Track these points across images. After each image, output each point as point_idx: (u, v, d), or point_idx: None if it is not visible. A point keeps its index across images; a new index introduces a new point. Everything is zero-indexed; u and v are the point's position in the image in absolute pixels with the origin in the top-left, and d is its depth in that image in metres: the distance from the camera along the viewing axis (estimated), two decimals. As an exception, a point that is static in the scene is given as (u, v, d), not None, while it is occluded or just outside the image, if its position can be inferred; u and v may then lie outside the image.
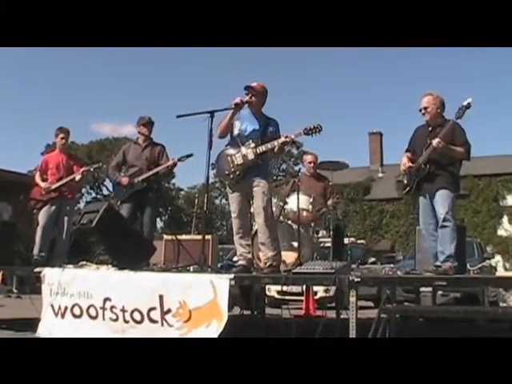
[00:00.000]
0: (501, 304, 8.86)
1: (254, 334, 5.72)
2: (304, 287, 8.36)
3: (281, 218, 7.44)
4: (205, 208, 6.45)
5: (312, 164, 8.14)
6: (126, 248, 6.28)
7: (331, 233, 7.75)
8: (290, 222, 7.40)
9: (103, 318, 5.53)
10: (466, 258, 6.63)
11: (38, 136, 69.61)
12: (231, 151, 5.91)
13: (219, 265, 8.70)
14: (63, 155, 8.01)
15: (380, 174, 40.77)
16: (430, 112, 5.81)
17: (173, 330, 5.14)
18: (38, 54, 62.16)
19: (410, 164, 5.91)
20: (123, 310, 5.39)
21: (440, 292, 8.53)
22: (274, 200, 6.90)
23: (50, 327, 5.84)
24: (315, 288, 9.02)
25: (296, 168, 9.53)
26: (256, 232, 6.22)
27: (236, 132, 5.94)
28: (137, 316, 5.32)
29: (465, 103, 5.59)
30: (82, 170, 7.82)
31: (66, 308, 5.80)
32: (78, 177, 7.74)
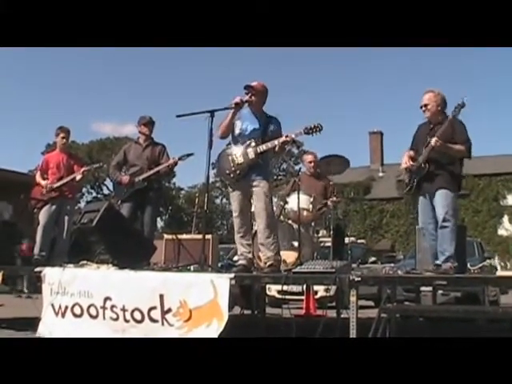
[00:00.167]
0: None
1: (255, 334, 5.72)
2: (304, 287, 8.36)
3: (281, 217, 7.44)
4: (205, 207, 6.46)
5: (312, 163, 8.13)
6: (127, 247, 6.28)
7: (331, 232, 7.75)
8: (290, 221, 7.40)
9: (104, 318, 5.53)
10: (467, 258, 6.62)
11: (39, 135, 69.64)
12: (232, 150, 5.92)
13: (219, 264, 8.69)
14: (64, 155, 8.01)
15: (380, 174, 40.81)
16: (431, 109, 5.76)
17: (173, 329, 5.14)
18: (38, 54, 62.16)
19: (411, 163, 5.87)
20: (124, 310, 5.40)
21: (440, 291, 8.52)
22: (275, 200, 6.90)
23: (51, 327, 5.84)
24: (316, 287, 9.00)
25: (296, 167, 9.52)
26: (256, 231, 6.23)
27: (237, 131, 5.94)
28: (137, 315, 5.33)
29: (459, 102, 5.57)
30: (83, 169, 7.82)
31: (66, 307, 5.81)
32: (78, 176, 7.74)
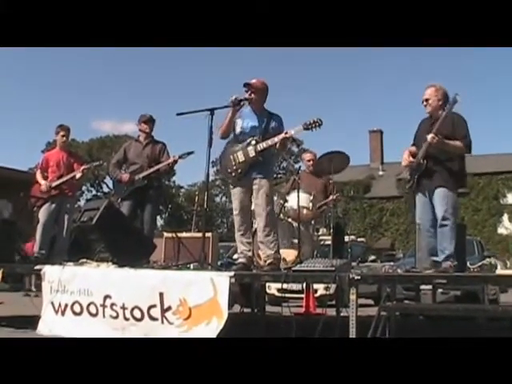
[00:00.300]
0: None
1: (254, 332, 5.73)
2: (304, 285, 8.36)
3: (281, 215, 7.44)
4: (205, 205, 6.47)
5: (311, 162, 8.14)
6: (127, 245, 6.29)
7: (331, 231, 7.74)
8: (290, 219, 7.41)
9: (103, 316, 5.55)
10: (466, 256, 6.63)
11: (39, 134, 69.66)
12: (233, 149, 5.92)
13: (219, 262, 8.69)
14: (64, 153, 8.01)
15: (380, 172, 40.84)
16: (432, 104, 5.67)
17: (173, 327, 5.16)
18: (38, 54, 62.05)
19: (411, 159, 5.82)
20: (123, 308, 5.41)
21: (440, 290, 8.53)
22: (275, 198, 6.90)
23: (50, 325, 5.85)
24: (315, 286, 9.01)
25: (296, 166, 9.53)
26: (256, 230, 6.23)
27: (238, 130, 5.95)
28: (137, 313, 5.34)
29: (452, 98, 5.53)
30: (83, 167, 7.82)
31: (66, 305, 5.82)
32: (78, 174, 7.74)
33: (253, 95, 5.85)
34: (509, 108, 63.97)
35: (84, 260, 6.56)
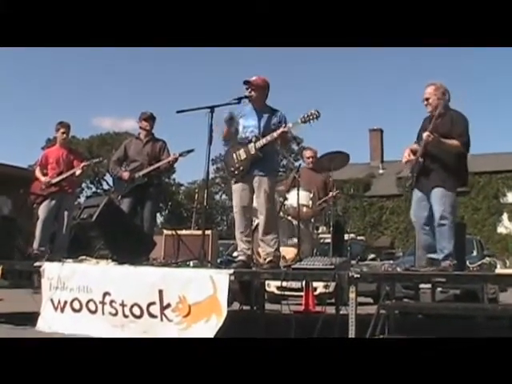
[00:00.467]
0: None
1: (254, 330, 5.74)
2: (303, 283, 8.36)
3: (281, 213, 7.44)
4: (205, 203, 6.48)
5: (311, 159, 8.13)
6: (126, 243, 6.30)
7: (331, 229, 7.73)
8: (289, 217, 7.41)
9: (103, 313, 5.55)
10: (466, 255, 6.63)
11: (39, 130, 69.55)
12: (236, 147, 5.93)
13: (219, 260, 8.71)
14: (64, 150, 8.00)
15: (380, 171, 40.85)
16: (432, 103, 5.63)
17: (172, 324, 5.16)
18: (38, 52, 61.86)
19: (411, 157, 5.80)
20: (123, 305, 5.42)
21: (439, 289, 8.53)
22: (275, 196, 6.90)
23: (50, 321, 5.87)
24: (315, 284, 9.02)
25: (296, 164, 9.53)
26: (256, 227, 6.23)
27: (240, 128, 5.96)
28: (136, 311, 5.35)
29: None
30: (83, 164, 7.82)
31: (65, 302, 5.83)
32: (78, 171, 7.74)
33: (253, 92, 5.85)
34: (509, 108, 63.96)
35: (83, 257, 6.56)
